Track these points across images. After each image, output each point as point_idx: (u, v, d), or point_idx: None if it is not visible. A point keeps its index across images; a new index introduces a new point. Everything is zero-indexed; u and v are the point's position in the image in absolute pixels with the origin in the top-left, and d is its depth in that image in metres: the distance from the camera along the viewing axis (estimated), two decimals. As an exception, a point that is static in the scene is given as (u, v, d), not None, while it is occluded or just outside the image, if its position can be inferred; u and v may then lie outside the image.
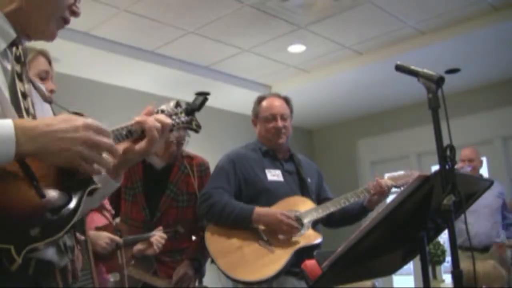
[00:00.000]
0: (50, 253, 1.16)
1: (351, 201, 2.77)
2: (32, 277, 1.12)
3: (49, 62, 2.13)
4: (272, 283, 2.57)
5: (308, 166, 3.00)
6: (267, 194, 2.74)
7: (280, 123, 2.85)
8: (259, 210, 2.65)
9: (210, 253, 2.65)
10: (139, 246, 2.69)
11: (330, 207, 2.75)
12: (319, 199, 2.93)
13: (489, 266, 3.37)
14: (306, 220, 2.70)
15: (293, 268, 2.58)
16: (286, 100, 2.97)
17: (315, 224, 2.75)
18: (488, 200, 4.59)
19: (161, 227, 2.78)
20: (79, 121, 1.09)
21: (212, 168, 3.00)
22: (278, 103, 2.91)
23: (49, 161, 1.07)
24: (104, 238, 2.41)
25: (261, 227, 2.65)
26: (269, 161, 2.87)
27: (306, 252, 2.51)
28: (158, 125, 1.30)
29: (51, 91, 2.06)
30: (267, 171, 2.81)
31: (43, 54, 2.10)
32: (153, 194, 2.94)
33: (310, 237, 2.68)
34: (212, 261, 2.68)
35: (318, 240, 2.68)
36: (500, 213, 4.87)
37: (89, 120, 1.10)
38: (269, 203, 2.73)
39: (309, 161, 3.09)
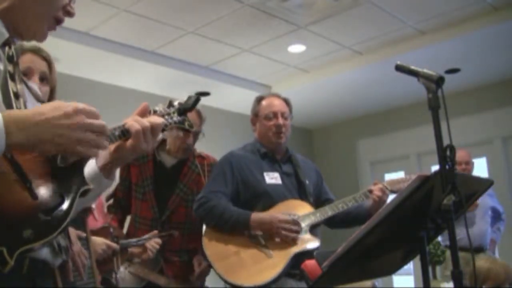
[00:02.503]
0: (44, 253, 1.16)
1: (349, 205, 2.75)
2: (28, 276, 1.12)
3: (44, 59, 2.07)
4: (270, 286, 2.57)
5: (306, 167, 2.99)
6: (266, 197, 2.74)
7: (281, 121, 2.85)
8: (256, 216, 2.64)
9: (207, 257, 2.65)
10: (133, 250, 2.70)
11: (328, 211, 2.74)
12: (320, 200, 2.93)
13: (498, 265, 3.34)
14: (304, 224, 2.69)
15: (291, 269, 2.58)
16: (286, 101, 2.97)
17: (312, 228, 2.74)
18: (480, 201, 4.59)
19: (156, 231, 2.77)
20: (70, 106, 1.08)
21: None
22: (278, 102, 2.92)
23: (43, 150, 1.06)
24: (101, 244, 2.40)
25: (259, 232, 2.65)
26: (267, 164, 2.86)
27: (304, 256, 2.48)
28: (143, 125, 1.28)
29: None
30: (265, 174, 2.81)
31: (31, 51, 2.05)
32: (163, 192, 2.93)
33: (308, 241, 2.67)
34: (210, 265, 2.68)
35: (315, 244, 2.67)
36: (490, 214, 4.88)
37: (80, 105, 1.10)
38: (268, 206, 2.72)
39: (307, 161, 3.08)
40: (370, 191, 2.79)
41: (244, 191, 2.77)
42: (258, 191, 2.75)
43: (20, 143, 1.02)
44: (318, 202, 2.91)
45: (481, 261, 3.42)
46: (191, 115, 2.42)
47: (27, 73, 2.00)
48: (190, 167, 2.99)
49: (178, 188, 2.94)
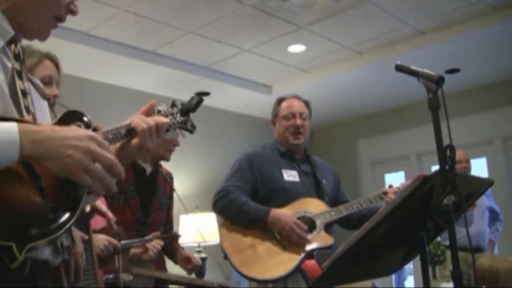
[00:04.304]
0: (46, 253, 1.16)
1: (364, 205, 2.84)
2: (29, 277, 1.12)
3: (56, 65, 2.11)
4: (287, 282, 2.64)
5: (324, 168, 3.09)
6: (283, 194, 2.81)
7: (298, 121, 2.94)
8: (274, 213, 2.71)
9: (223, 249, 2.74)
10: (135, 251, 2.71)
11: (343, 211, 2.82)
12: (338, 202, 2.99)
13: (508, 263, 3.32)
14: (318, 222, 2.77)
15: None
16: (306, 102, 3.07)
17: (328, 226, 2.80)
18: (478, 201, 4.59)
19: (158, 233, 2.82)
20: (84, 131, 1.10)
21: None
22: (297, 103, 3.02)
23: (50, 167, 1.06)
24: (102, 240, 2.41)
25: (275, 229, 2.72)
26: (286, 162, 2.94)
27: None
28: (149, 124, 1.30)
29: (54, 97, 2.05)
30: (283, 171, 2.88)
31: (49, 57, 2.08)
32: (145, 197, 3.04)
33: (322, 239, 2.74)
34: (225, 257, 2.76)
35: (329, 242, 2.75)
36: (488, 215, 4.87)
37: (93, 133, 1.11)
38: (284, 202, 2.80)
39: (325, 163, 3.18)
40: (385, 193, 2.86)
41: (263, 187, 2.85)
42: (276, 187, 2.83)
43: (31, 155, 1.03)
44: (336, 203, 2.98)
45: (481, 260, 3.42)
46: None
47: (48, 82, 2.04)
48: (159, 172, 3.16)
49: (157, 192, 3.08)
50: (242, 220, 2.73)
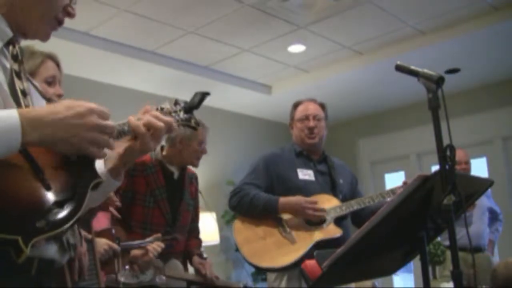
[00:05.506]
0: (52, 251, 1.16)
1: (376, 201, 2.89)
2: (35, 277, 1.12)
3: (58, 65, 2.12)
4: (302, 281, 2.66)
5: (342, 169, 3.16)
6: (297, 192, 2.88)
7: (312, 123, 3.03)
8: (283, 199, 2.83)
9: (236, 242, 2.86)
10: (135, 252, 2.72)
11: (353, 205, 2.90)
12: None
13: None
14: (328, 216, 2.85)
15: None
16: (321, 105, 3.16)
17: (338, 220, 2.88)
18: (477, 201, 4.58)
19: (159, 234, 2.85)
20: (83, 106, 1.10)
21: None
22: (312, 106, 3.12)
23: (56, 149, 1.08)
24: (103, 244, 2.43)
25: (286, 217, 2.84)
26: (302, 161, 3.03)
27: (326, 245, 2.68)
28: (151, 121, 1.31)
29: (59, 96, 2.06)
30: (298, 170, 2.98)
31: (51, 57, 2.09)
32: (173, 199, 3.14)
33: (331, 231, 2.83)
34: (237, 249, 2.88)
35: (338, 234, 2.82)
36: (487, 215, 4.87)
37: (92, 105, 1.12)
38: None
39: (343, 165, 3.24)
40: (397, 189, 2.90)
41: (278, 186, 2.94)
42: (290, 185, 2.93)
43: (34, 141, 1.03)
44: None
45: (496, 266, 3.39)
46: (203, 132, 3.08)
47: (51, 81, 2.06)
48: (186, 176, 3.25)
49: (184, 195, 3.18)
50: (255, 211, 2.84)
